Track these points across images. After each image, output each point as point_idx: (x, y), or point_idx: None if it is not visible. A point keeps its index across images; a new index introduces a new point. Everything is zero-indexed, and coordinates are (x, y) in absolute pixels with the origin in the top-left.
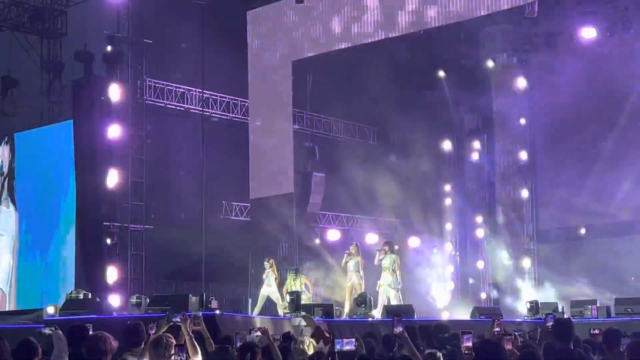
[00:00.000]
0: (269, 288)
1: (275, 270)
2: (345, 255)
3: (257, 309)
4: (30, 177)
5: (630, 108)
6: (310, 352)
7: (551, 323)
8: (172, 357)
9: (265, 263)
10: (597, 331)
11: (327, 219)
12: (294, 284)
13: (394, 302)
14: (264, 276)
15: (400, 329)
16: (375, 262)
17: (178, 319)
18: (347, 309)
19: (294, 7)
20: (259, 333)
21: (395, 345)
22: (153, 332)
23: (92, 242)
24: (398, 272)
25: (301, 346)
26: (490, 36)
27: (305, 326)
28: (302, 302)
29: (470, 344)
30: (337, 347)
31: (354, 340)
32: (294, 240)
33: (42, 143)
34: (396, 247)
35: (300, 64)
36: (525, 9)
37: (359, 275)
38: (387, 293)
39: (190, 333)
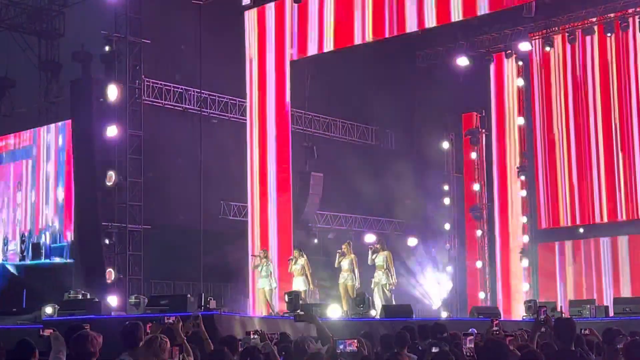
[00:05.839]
0: (264, 280)
1: (269, 259)
2: (338, 254)
3: (263, 309)
4: (29, 179)
5: (630, 106)
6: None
7: (543, 316)
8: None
9: (261, 252)
10: (587, 331)
11: (325, 218)
12: (295, 265)
13: (385, 301)
14: (259, 269)
15: None
16: (369, 261)
17: (171, 321)
18: (344, 307)
19: (292, 6)
20: (256, 336)
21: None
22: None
23: (90, 243)
24: (392, 269)
25: (301, 346)
26: (488, 35)
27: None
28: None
29: (472, 345)
30: (340, 348)
31: (356, 341)
32: (292, 240)
33: (40, 144)
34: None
35: (298, 64)
36: (524, 8)
37: (352, 275)
38: (380, 292)
39: (183, 335)
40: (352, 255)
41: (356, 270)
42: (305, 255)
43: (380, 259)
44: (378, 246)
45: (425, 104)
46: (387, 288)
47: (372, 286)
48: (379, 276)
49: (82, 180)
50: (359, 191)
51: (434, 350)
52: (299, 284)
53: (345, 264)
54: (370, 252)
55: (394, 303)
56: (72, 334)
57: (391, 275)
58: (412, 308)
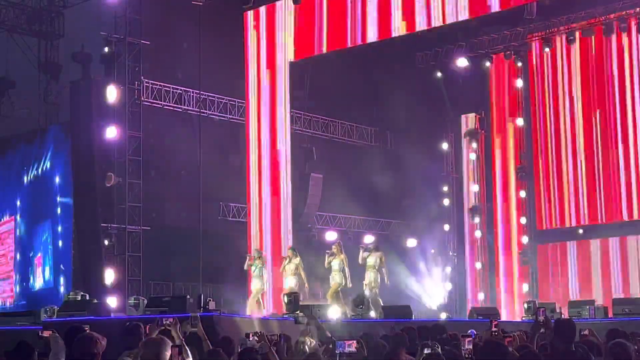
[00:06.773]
0: (257, 281)
1: (265, 262)
2: (327, 255)
3: (252, 307)
4: (28, 179)
5: (629, 106)
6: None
7: (543, 317)
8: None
9: (255, 252)
10: (586, 332)
11: (324, 219)
12: (289, 264)
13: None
14: (253, 268)
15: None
16: (360, 260)
17: (168, 322)
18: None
19: (292, 7)
20: (256, 338)
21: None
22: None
23: (89, 244)
24: (385, 270)
25: (302, 347)
26: (487, 36)
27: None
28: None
29: (471, 346)
30: (339, 349)
31: (354, 342)
32: (292, 241)
33: (40, 145)
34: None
35: (298, 65)
36: (525, 9)
37: (342, 275)
38: (369, 293)
39: (181, 336)
40: (342, 256)
41: (347, 270)
42: (299, 256)
43: (372, 259)
44: (371, 246)
45: (425, 105)
46: (373, 286)
47: (364, 287)
48: (369, 277)
49: (82, 181)
50: (358, 192)
51: (425, 351)
52: (290, 284)
53: (335, 264)
54: (361, 251)
55: (382, 304)
56: (71, 335)
57: (384, 277)
58: (411, 309)
